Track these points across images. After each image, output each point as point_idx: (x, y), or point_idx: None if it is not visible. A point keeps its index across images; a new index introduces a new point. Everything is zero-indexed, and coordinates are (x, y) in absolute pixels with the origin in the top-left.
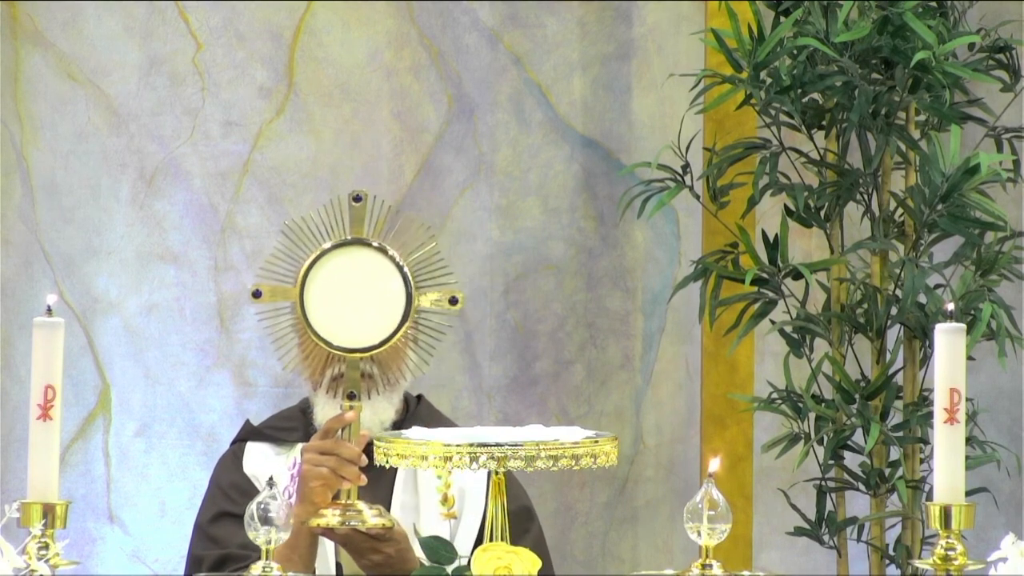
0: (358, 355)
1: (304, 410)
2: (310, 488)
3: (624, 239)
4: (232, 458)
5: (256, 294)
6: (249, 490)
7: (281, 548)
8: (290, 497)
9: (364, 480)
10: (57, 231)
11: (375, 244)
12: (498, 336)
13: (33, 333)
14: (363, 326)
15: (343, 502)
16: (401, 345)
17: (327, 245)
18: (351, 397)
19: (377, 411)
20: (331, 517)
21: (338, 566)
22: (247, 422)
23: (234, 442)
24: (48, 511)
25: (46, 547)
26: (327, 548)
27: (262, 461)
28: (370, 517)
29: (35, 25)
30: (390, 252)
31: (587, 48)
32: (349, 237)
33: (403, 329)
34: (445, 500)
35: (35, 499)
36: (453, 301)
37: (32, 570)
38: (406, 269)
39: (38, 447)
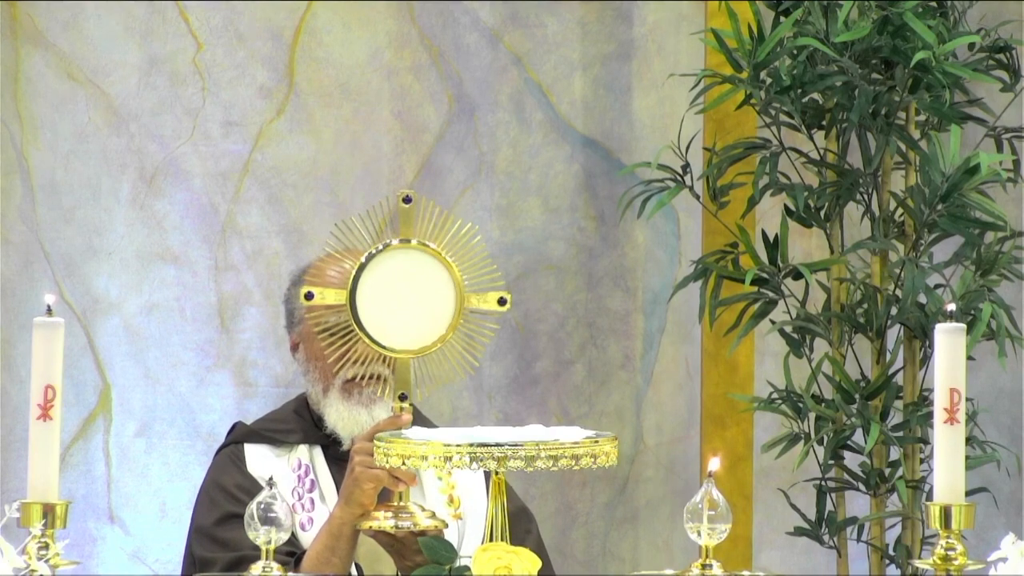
0: (410, 356)
1: (297, 411)
2: (363, 490)
3: (624, 239)
4: (232, 459)
5: (308, 296)
6: (256, 491)
7: (320, 550)
8: (300, 499)
9: (418, 482)
10: (57, 231)
11: (427, 245)
12: (498, 336)
13: (33, 333)
14: (414, 327)
15: (395, 504)
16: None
17: (379, 246)
18: (403, 399)
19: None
20: (383, 520)
21: (358, 567)
22: (239, 424)
23: (227, 444)
24: (48, 511)
25: (46, 547)
26: None
27: (264, 463)
28: (423, 519)
29: (35, 25)
30: (441, 253)
31: (587, 48)
32: (399, 239)
33: (453, 329)
34: (451, 501)
35: (35, 499)
36: (502, 302)
37: (32, 570)
38: (456, 270)
39: (38, 447)
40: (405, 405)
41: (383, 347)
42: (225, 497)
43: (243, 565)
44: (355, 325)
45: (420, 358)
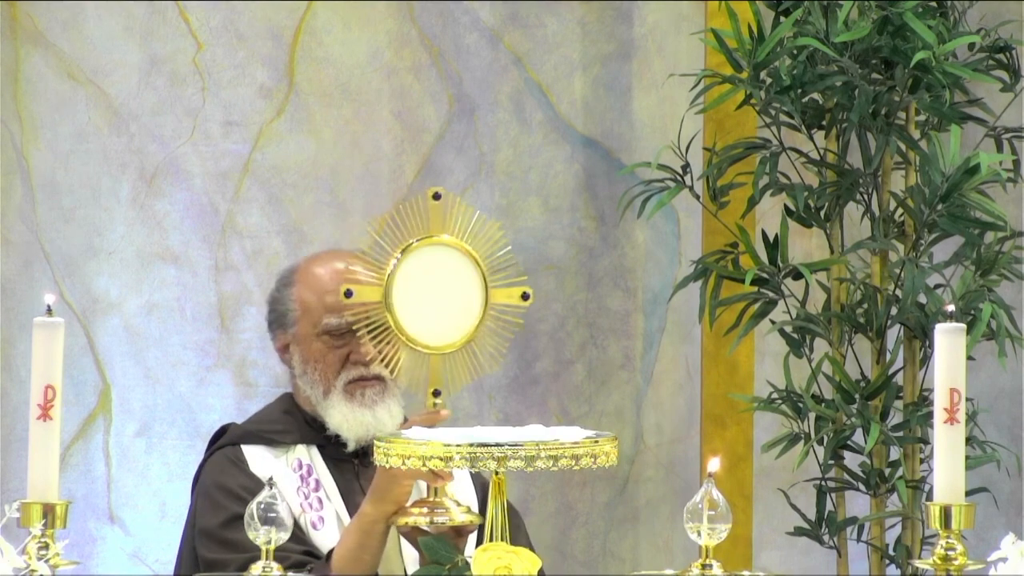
0: (443, 352)
1: (288, 412)
2: (402, 487)
3: (624, 239)
4: (232, 461)
5: (347, 294)
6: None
7: (351, 547)
8: (307, 498)
9: (454, 477)
10: (57, 231)
11: (455, 241)
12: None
13: (33, 333)
14: (443, 324)
15: (430, 500)
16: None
17: (409, 243)
18: (436, 395)
19: (393, 414)
20: (418, 516)
21: None
22: (232, 425)
23: (221, 445)
24: (48, 511)
25: (46, 547)
26: None
27: (264, 463)
28: (458, 515)
29: (35, 25)
30: (469, 249)
31: (587, 48)
32: (431, 235)
33: (481, 325)
34: None
35: (35, 499)
36: (525, 297)
37: (32, 570)
38: (483, 266)
39: (38, 447)
40: (439, 401)
41: (419, 344)
42: (230, 498)
43: None
44: (392, 323)
45: (447, 354)
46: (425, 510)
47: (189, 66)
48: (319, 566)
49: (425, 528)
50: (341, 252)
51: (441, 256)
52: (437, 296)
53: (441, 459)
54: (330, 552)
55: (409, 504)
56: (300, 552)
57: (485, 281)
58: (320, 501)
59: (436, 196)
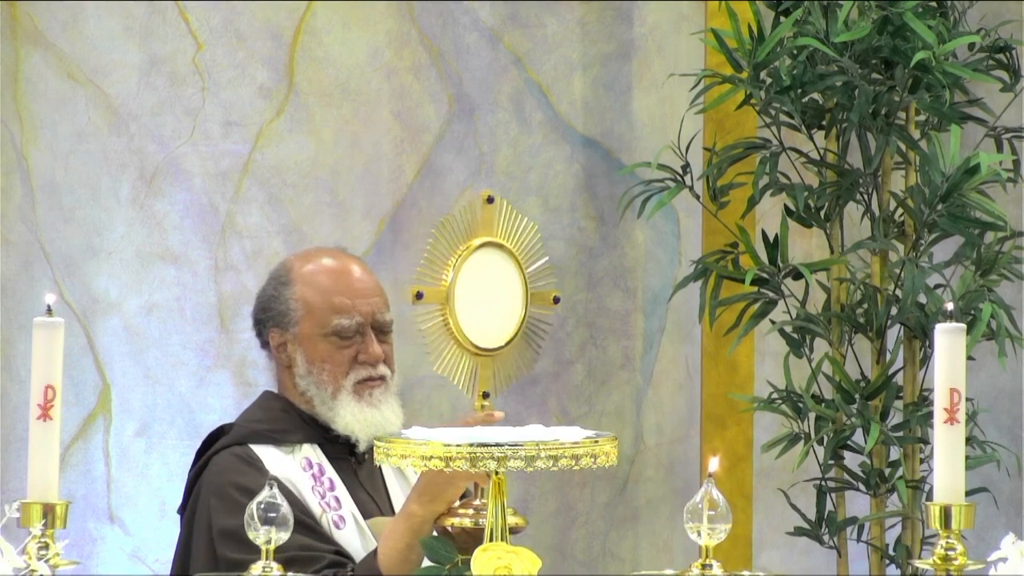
0: (492, 353)
1: (285, 411)
2: (457, 487)
3: (624, 239)
4: (246, 460)
5: (419, 295)
6: (282, 490)
7: (400, 548)
8: (323, 498)
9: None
10: (57, 231)
11: (503, 244)
12: None
13: (33, 333)
14: (493, 325)
15: (475, 502)
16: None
17: (467, 246)
18: (485, 396)
19: (396, 412)
20: (464, 518)
21: None
22: (237, 425)
23: (226, 445)
24: (48, 511)
25: (46, 547)
26: None
27: (277, 464)
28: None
29: (35, 25)
30: (515, 253)
31: (587, 48)
32: (485, 237)
33: (522, 327)
34: None
35: (35, 499)
36: (556, 300)
37: (32, 570)
38: (524, 269)
39: (38, 447)
40: (487, 403)
41: (474, 346)
42: (251, 498)
43: (292, 566)
44: (453, 325)
45: (494, 356)
46: (471, 511)
47: (189, 66)
48: (364, 567)
49: (470, 529)
50: (331, 250)
51: (490, 259)
52: (487, 299)
53: (441, 459)
54: (372, 552)
55: (455, 505)
56: (331, 552)
57: (526, 284)
58: (337, 500)
59: (489, 200)
